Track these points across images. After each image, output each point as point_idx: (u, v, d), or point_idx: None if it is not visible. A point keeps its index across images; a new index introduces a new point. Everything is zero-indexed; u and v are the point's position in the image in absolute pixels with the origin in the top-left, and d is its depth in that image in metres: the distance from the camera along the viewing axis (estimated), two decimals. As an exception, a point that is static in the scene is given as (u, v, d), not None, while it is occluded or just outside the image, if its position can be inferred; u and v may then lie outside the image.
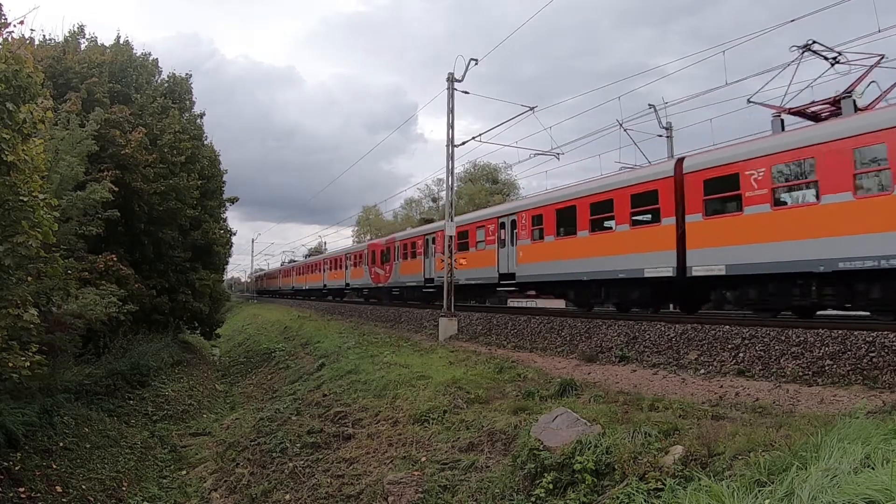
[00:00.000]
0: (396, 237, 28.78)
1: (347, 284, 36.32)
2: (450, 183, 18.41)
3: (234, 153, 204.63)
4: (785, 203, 10.62)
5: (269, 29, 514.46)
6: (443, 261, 18.73)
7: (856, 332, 7.93)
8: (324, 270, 43.46)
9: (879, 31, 11.43)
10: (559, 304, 20.29)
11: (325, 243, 65.14)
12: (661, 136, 20.44)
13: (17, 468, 8.98)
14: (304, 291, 52.59)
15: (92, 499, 9.37)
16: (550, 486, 6.14)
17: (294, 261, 65.56)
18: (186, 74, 23.40)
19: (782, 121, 11.67)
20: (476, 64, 17.05)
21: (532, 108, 18.40)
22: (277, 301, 58.78)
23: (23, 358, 7.50)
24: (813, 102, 11.49)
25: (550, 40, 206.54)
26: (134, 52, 21.00)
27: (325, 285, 43.03)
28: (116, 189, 14.17)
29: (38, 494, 8.75)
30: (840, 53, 11.83)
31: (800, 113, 11.71)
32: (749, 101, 12.84)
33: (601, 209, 14.35)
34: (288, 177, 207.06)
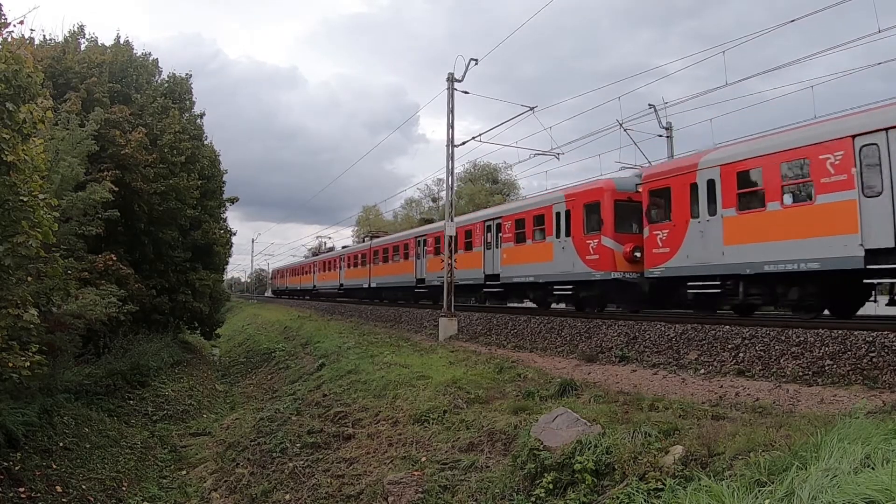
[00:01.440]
0: (715, 156, 11.86)
1: (497, 275, 18.86)
2: (450, 183, 18.42)
3: (236, 153, 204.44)
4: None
5: (271, 29, 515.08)
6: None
7: (856, 332, 7.92)
8: (420, 256, 24.68)
9: (879, 32, 11.45)
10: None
11: (325, 243, 56.59)
12: (661, 136, 20.43)
13: (17, 468, 8.99)
14: (368, 291, 31.30)
15: (92, 499, 9.37)
16: (550, 486, 6.14)
17: (345, 246, 43.77)
18: (186, 74, 23.39)
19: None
20: (476, 64, 17.08)
21: (532, 108, 18.39)
22: (277, 301, 58.22)
23: (23, 358, 7.51)
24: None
25: (551, 40, 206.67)
26: (134, 52, 21.01)
27: (421, 279, 24.49)
28: (116, 189, 14.20)
29: (38, 494, 8.76)
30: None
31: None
32: None
33: None
34: (288, 177, 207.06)
